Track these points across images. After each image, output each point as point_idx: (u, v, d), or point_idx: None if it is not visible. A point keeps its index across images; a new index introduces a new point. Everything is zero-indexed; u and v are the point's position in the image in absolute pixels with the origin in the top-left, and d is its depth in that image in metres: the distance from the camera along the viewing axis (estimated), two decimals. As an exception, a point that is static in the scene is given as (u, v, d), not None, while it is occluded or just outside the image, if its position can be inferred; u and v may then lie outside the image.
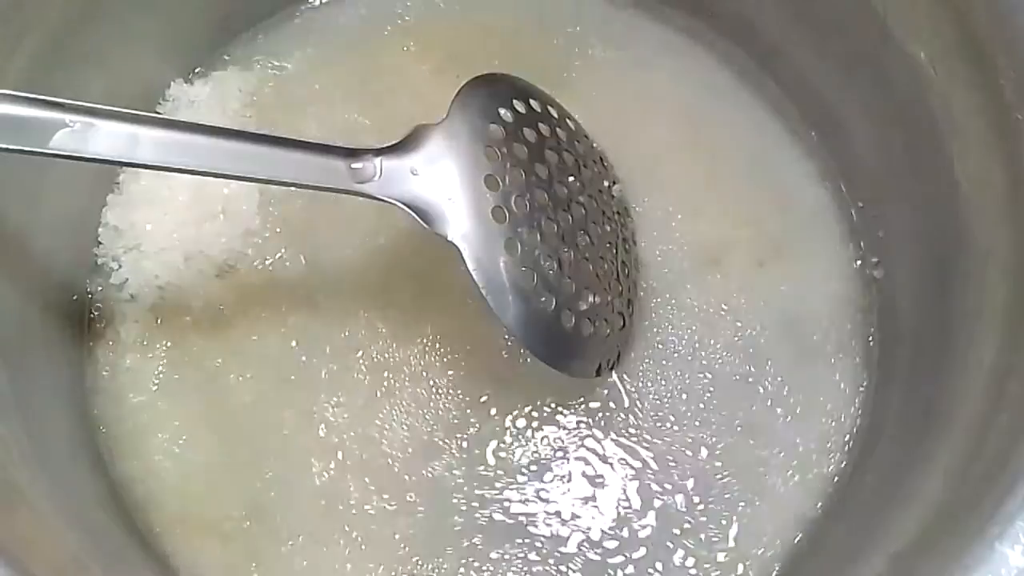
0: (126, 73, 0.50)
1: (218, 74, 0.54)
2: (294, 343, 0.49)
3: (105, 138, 0.39)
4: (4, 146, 0.38)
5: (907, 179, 0.48)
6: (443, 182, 0.42)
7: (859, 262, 0.51)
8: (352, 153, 0.42)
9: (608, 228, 0.48)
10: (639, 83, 0.54)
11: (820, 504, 0.47)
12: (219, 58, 0.55)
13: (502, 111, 0.45)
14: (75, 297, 0.50)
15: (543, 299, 0.43)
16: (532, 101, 0.47)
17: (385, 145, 0.43)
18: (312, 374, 0.49)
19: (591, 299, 0.46)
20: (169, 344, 0.49)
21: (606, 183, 0.50)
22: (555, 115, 0.49)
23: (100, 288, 0.50)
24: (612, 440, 0.48)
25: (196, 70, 0.54)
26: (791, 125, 0.53)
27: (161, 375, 0.49)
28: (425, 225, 0.42)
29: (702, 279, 0.50)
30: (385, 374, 0.49)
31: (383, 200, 0.42)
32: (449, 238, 0.42)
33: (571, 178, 0.47)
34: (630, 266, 0.50)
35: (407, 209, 0.42)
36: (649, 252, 0.51)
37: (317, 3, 0.57)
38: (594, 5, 0.56)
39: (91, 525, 0.43)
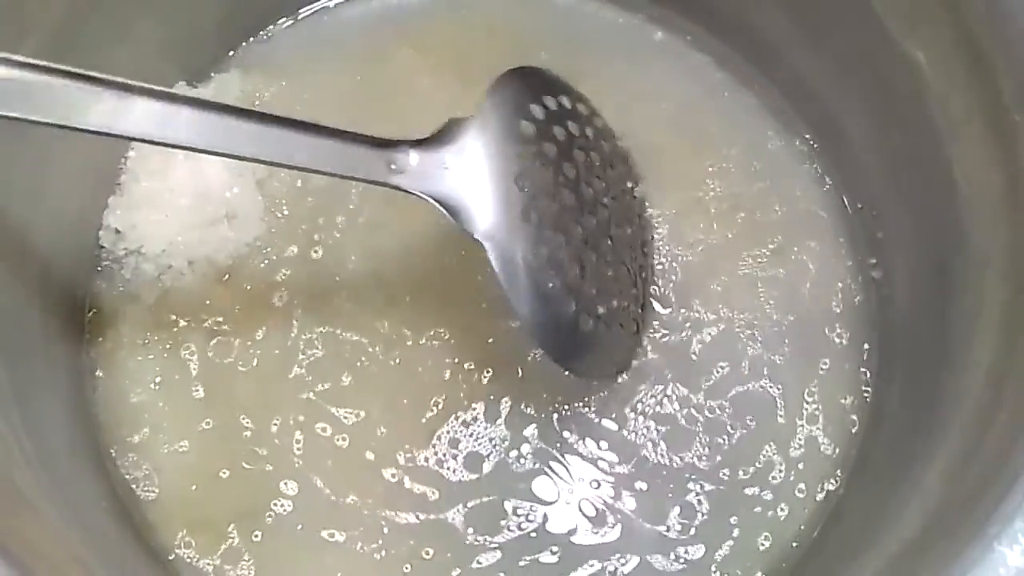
0: (128, 74, 0.50)
1: (221, 76, 0.54)
2: (297, 346, 0.49)
3: (138, 115, 0.38)
4: (29, 117, 0.37)
5: (905, 180, 0.48)
6: (474, 179, 0.41)
7: (858, 263, 0.51)
8: (387, 144, 0.41)
9: (629, 231, 0.48)
10: (638, 84, 0.54)
11: (819, 504, 0.47)
12: (222, 60, 0.55)
13: (534, 107, 0.44)
14: (76, 298, 0.50)
15: (564, 302, 0.43)
16: (563, 97, 0.47)
17: (419, 138, 0.42)
18: (315, 377, 0.49)
19: (610, 303, 0.45)
20: (170, 345, 0.49)
21: (629, 183, 0.50)
22: (584, 112, 0.48)
23: (101, 289, 0.50)
24: (616, 441, 0.48)
25: (198, 72, 0.54)
26: (789, 126, 0.53)
27: (161, 376, 0.49)
28: (453, 221, 0.41)
29: (700, 279, 0.50)
30: (390, 378, 0.49)
31: (414, 194, 0.41)
32: (476, 236, 0.41)
33: (597, 179, 0.47)
34: (647, 270, 0.49)
35: (437, 204, 0.41)
36: (647, 252, 0.51)
37: (319, 5, 0.57)
38: (593, 6, 0.56)
39: (92, 525, 0.43)
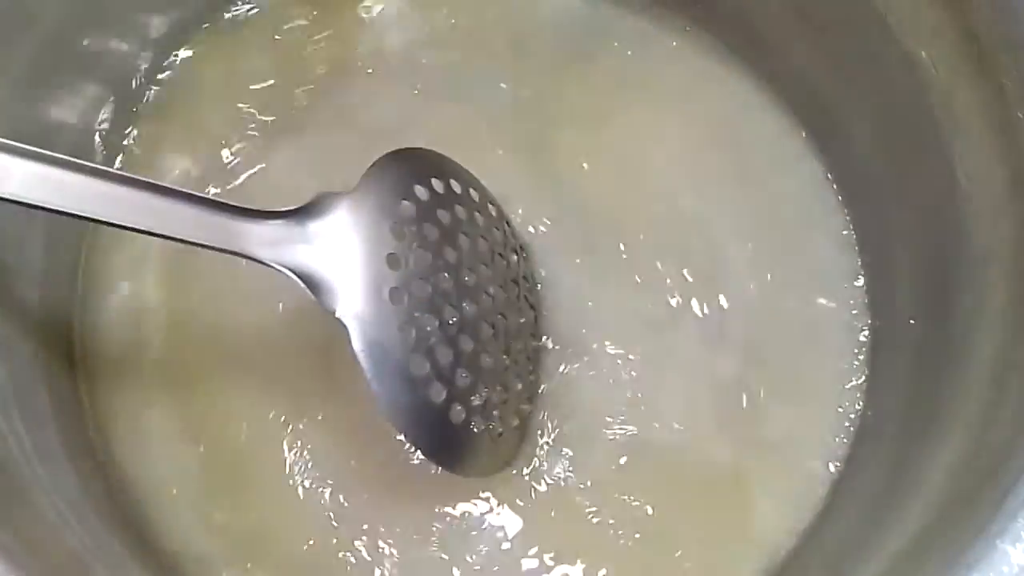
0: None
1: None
2: (291, 344, 0.49)
3: None
4: None
5: (907, 178, 0.47)
6: (341, 255, 0.40)
7: (857, 262, 0.51)
8: (248, 213, 0.40)
9: (520, 320, 0.47)
10: (638, 83, 0.54)
11: (820, 501, 0.47)
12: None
13: (418, 188, 0.43)
14: (74, 295, 0.50)
15: (433, 390, 0.41)
16: (453, 181, 0.45)
17: (285, 208, 0.41)
18: (309, 373, 0.49)
19: (486, 394, 0.43)
20: (168, 343, 0.49)
21: (523, 276, 0.48)
22: (475, 198, 0.46)
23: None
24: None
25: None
26: (789, 124, 0.53)
27: (159, 374, 0.49)
28: (313, 297, 0.39)
29: (699, 277, 0.50)
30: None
31: (271, 265, 0.40)
32: (337, 315, 0.39)
33: (483, 266, 0.45)
34: (534, 362, 0.48)
35: (296, 278, 0.40)
36: (646, 249, 0.50)
37: None
38: (595, 6, 0.56)
39: (91, 524, 0.43)
